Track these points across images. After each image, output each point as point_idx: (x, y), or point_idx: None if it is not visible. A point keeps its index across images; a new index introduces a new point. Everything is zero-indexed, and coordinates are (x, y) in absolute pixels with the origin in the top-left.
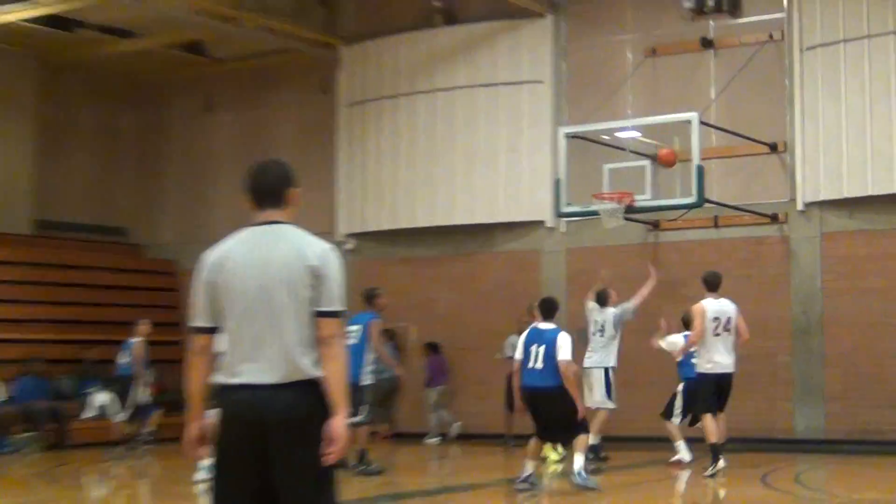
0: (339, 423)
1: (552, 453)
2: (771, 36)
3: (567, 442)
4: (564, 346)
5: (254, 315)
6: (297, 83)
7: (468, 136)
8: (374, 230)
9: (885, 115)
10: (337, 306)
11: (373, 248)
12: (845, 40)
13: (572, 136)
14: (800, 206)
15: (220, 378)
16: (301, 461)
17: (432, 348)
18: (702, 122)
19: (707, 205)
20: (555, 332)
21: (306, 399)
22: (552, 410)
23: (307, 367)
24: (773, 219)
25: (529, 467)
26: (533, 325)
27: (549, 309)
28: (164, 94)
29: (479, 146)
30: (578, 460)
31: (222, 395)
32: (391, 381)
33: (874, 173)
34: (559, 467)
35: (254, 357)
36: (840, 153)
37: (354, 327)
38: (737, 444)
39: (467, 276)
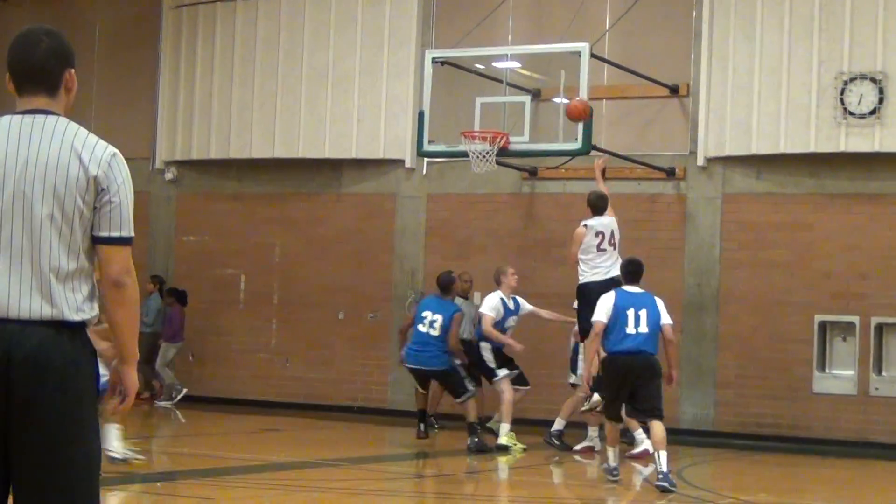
0: (129, 374)
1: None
2: None
3: (652, 418)
4: (665, 310)
5: (5, 230)
6: None
7: (316, 54)
8: (199, 159)
9: (806, 59)
10: (126, 231)
11: (197, 179)
12: None
13: (440, 62)
14: (700, 161)
15: None
16: (51, 420)
17: (179, 297)
18: (593, 55)
19: (594, 153)
20: (651, 296)
21: (69, 342)
22: (651, 382)
23: (71, 306)
24: (670, 174)
25: (613, 456)
26: (621, 288)
27: (636, 272)
28: None
29: (330, 66)
30: (664, 458)
31: None
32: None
33: (789, 128)
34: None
35: (1, 284)
36: (751, 102)
37: (436, 316)
38: None
39: (309, 219)
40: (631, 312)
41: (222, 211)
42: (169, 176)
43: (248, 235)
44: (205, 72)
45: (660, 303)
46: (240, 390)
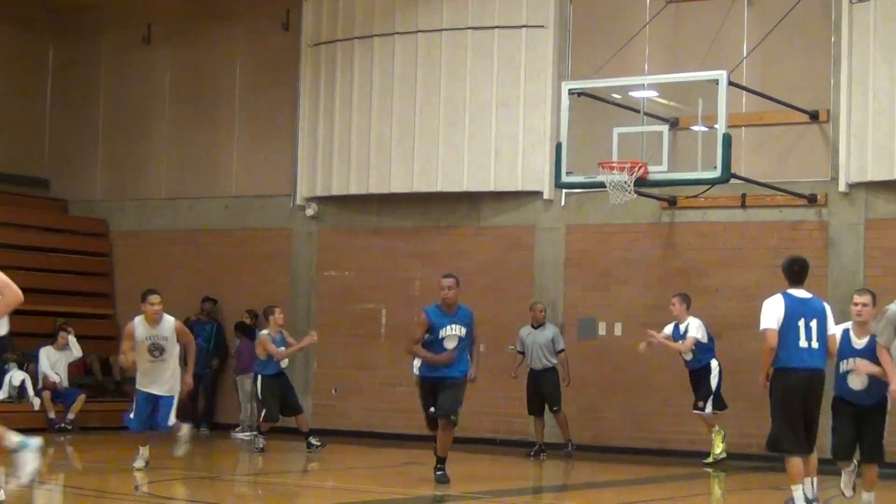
0: None
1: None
2: None
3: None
4: (832, 319)
5: None
6: (252, 15)
7: (453, 88)
8: (339, 194)
9: None
10: None
11: (337, 215)
12: None
13: (577, 93)
14: (842, 187)
15: None
16: None
17: (244, 330)
18: (731, 83)
19: (733, 181)
20: (821, 302)
21: None
22: (819, 400)
23: None
24: (811, 200)
25: (810, 490)
26: (787, 291)
27: (802, 271)
28: (93, 20)
29: (467, 100)
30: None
31: None
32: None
33: None
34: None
35: None
36: (892, 126)
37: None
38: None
39: (448, 252)
40: (802, 323)
41: (362, 246)
42: (310, 212)
43: (389, 269)
44: (343, 108)
45: (829, 310)
46: (382, 423)
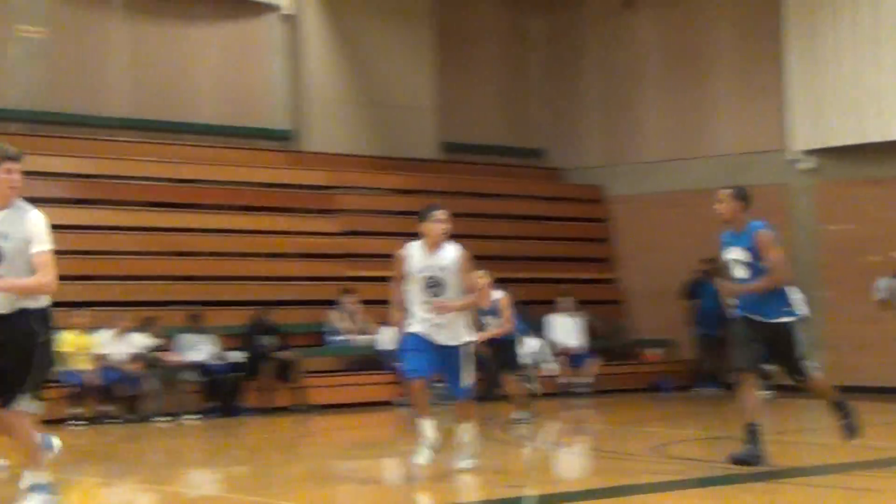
0: None
1: None
2: None
3: None
4: None
5: None
6: None
7: None
8: (836, 145)
9: None
10: None
11: (835, 166)
12: None
13: None
14: None
15: None
16: None
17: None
18: None
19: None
20: None
21: None
22: None
23: None
24: None
25: None
26: None
27: None
28: None
29: None
30: None
31: None
32: None
33: None
34: None
35: None
36: None
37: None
38: None
39: None
40: None
41: (861, 196)
42: (806, 165)
43: (890, 220)
44: (833, 56)
45: None
46: (893, 378)
